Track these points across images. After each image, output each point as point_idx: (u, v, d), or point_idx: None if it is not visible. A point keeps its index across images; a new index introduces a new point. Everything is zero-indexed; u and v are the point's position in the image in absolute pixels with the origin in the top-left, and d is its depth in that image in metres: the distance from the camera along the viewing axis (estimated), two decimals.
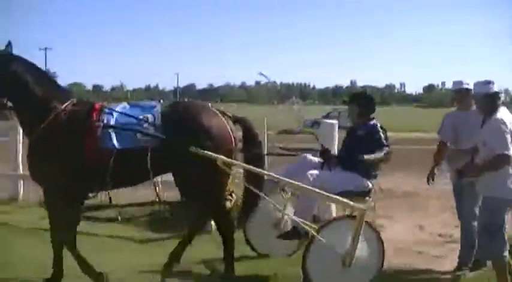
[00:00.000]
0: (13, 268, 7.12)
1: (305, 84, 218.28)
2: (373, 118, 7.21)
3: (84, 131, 6.15)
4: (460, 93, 7.33)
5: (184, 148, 6.06)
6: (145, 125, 6.21)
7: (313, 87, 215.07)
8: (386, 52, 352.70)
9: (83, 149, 6.10)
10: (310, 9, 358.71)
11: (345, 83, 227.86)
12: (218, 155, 6.08)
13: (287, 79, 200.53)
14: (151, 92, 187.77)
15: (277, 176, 6.60)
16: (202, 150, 6.04)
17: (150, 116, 6.26)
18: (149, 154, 6.04)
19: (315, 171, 6.79)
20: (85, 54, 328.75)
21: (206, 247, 7.62)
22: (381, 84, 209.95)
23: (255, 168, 6.48)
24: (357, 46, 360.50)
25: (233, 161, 6.35)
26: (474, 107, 6.76)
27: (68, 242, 6.43)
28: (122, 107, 6.49)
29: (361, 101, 7.38)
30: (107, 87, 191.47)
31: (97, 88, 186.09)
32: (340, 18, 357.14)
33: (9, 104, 6.38)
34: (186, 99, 7.08)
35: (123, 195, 8.94)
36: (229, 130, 6.46)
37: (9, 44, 6.34)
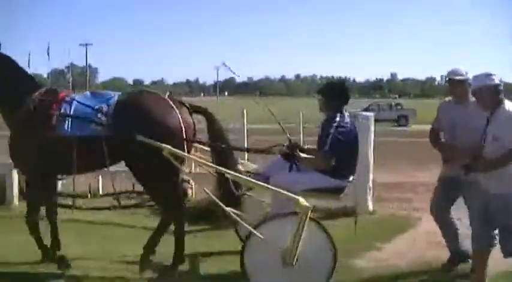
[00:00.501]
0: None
1: (345, 77, 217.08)
2: (339, 111, 6.56)
3: (44, 119, 6.52)
4: (452, 84, 6.78)
5: (132, 137, 6.23)
6: (99, 114, 6.46)
7: (353, 80, 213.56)
8: (427, 45, 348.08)
9: (44, 136, 6.48)
10: (352, 3, 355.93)
11: (385, 76, 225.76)
12: (165, 145, 6.16)
13: (327, 73, 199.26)
14: (191, 86, 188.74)
15: (230, 172, 6.46)
16: (147, 139, 6.16)
17: (104, 106, 6.53)
18: (103, 142, 6.31)
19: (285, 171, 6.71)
20: (126, 49, 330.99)
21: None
22: (421, 77, 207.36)
23: (206, 162, 6.71)
24: (398, 39, 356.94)
25: (178, 151, 6.28)
26: (471, 99, 6.28)
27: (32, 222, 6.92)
28: (82, 96, 6.81)
29: (326, 91, 6.84)
30: (147, 81, 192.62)
31: (138, 82, 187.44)
32: (381, 12, 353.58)
33: None
34: (143, 90, 7.19)
35: None
36: (179, 120, 6.48)
37: None
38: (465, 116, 6.44)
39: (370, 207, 10.01)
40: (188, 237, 7.16)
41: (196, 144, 7.09)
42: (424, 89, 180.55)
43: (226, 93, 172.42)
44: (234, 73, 6.94)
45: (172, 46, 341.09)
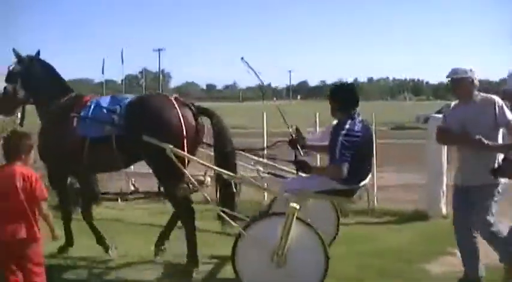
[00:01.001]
0: (134, 264, 7.56)
1: (418, 80, 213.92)
2: (350, 116, 6.24)
3: (65, 121, 7.16)
4: (453, 84, 6.36)
5: (138, 136, 6.64)
6: (113, 115, 6.98)
7: (427, 83, 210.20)
8: (503, 45, 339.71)
9: (64, 136, 7.15)
10: (424, 4, 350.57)
11: None
12: (166, 144, 6.48)
13: (400, 75, 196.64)
14: (263, 91, 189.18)
15: (227, 172, 6.79)
16: (152, 139, 6.54)
17: (117, 107, 7.01)
18: (114, 142, 6.85)
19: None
20: (199, 54, 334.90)
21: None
22: (495, 78, 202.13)
23: (203, 162, 6.93)
24: (472, 40, 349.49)
25: (179, 151, 6.55)
26: (477, 96, 6.17)
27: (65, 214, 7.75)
28: (104, 99, 7.36)
29: (334, 95, 6.50)
30: (220, 86, 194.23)
31: (210, 87, 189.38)
32: (454, 13, 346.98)
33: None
34: (154, 93, 7.97)
35: None
36: (181, 119, 6.79)
37: (38, 52, 7.86)
38: (473, 114, 6.14)
39: (444, 211, 9.86)
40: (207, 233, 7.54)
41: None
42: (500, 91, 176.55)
43: (299, 97, 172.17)
44: (252, 70, 7.01)
45: (244, 51, 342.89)
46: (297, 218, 5.96)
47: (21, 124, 8.21)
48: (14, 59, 7.82)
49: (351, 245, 8.04)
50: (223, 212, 6.65)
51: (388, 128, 19.01)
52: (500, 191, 6.03)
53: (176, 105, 6.92)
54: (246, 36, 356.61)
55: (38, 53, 7.87)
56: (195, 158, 6.90)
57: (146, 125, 6.74)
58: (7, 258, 5.14)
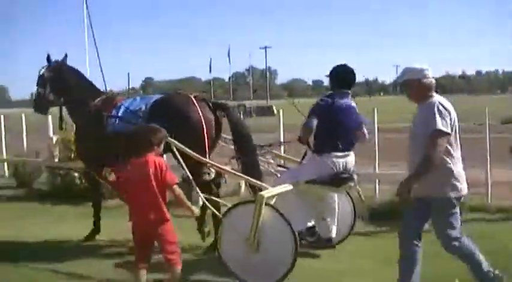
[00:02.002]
0: None
1: None
2: (339, 92, 7.19)
3: (97, 120, 7.85)
4: (401, 85, 5.96)
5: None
6: (139, 113, 7.59)
7: None
8: None
9: (97, 133, 7.80)
10: None
11: None
12: (172, 140, 6.87)
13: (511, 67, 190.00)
14: (369, 85, 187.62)
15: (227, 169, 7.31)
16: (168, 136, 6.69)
17: (143, 107, 7.65)
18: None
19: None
20: (305, 50, 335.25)
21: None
22: None
23: (199, 156, 7.07)
24: None
25: (184, 148, 6.99)
26: (432, 99, 5.52)
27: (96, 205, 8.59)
28: (132, 99, 8.07)
29: (330, 73, 7.44)
30: (327, 81, 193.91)
31: (318, 83, 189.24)
32: None
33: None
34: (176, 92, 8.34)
35: None
36: (200, 115, 7.33)
37: (65, 56, 8.48)
38: (418, 118, 5.65)
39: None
40: (369, 237, 7.53)
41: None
42: None
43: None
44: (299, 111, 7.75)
45: (350, 46, 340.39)
46: (269, 205, 6.33)
47: (60, 127, 8.90)
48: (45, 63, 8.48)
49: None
50: (207, 200, 7.14)
51: (498, 122, 18.41)
52: (455, 202, 5.50)
53: (195, 103, 7.47)
54: (351, 31, 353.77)
55: (65, 57, 8.51)
56: (194, 154, 7.07)
57: (168, 122, 6.92)
58: (141, 238, 5.68)
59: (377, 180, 10.14)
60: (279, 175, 7.88)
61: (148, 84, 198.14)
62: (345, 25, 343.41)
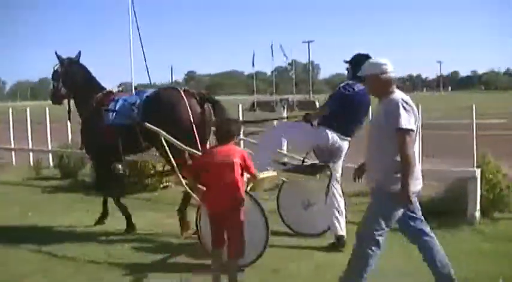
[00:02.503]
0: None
1: None
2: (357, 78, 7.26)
3: (98, 113, 8.56)
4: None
5: (142, 123, 7.99)
6: (133, 107, 8.24)
7: None
8: None
9: (98, 125, 8.54)
10: None
11: None
12: (160, 130, 7.76)
13: None
14: (413, 81, 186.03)
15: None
16: (152, 127, 7.82)
17: (138, 100, 8.29)
18: (132, 130, 8.12)
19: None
20: (347, 45, 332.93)
21: None
22: None
23: (180, 143, 7.74)
24: None
25: (171, 138, 7.75)
26: (390, 97, 5.44)
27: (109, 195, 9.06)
28: (129, 95, 8.78)
29: (350, 60, 7.73)
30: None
31: (360, 78, 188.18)
32: None
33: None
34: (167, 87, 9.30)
35: None
36: (187, 107, 7.94)
37: (79, 54, 9.27)
38: (377, 114, 5.62)
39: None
40: None
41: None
42: None
43: (450, 88, 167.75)
44: (285, 55, 7.90)
45: (394, 41, 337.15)
46: (246, 193, 6.50)
47: (69, 118, 9.90)
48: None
49: None
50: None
51: None
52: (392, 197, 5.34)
53: (184, 96, 8.07)
54: (394, 27, 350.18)
55: (79, 55, 9.29)
56: (174, 140, 7.77)
57: (159, 114, 8.01)
58: (217, 218, 6.09)
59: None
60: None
61: (190, 77, 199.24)
62: (387, 21, 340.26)
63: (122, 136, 8.30)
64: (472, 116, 9.26)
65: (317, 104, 49.55)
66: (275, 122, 8.38)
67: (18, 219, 9.73)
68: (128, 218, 8.80)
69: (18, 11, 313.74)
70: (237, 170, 6.01)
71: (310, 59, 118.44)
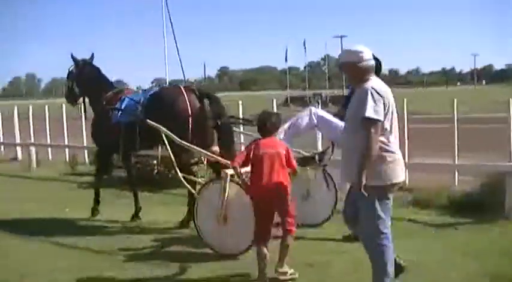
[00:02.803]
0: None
1: None
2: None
3: (106, 112, 9.04)
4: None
5: (143, 120, 8.35)
6: (138, 105, 8.67)
7: None
8: None
9: (105, 123, 9.00)
10: None
11: None
12: (161, 127, 8.09)
13: None
14: (447, 75, 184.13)
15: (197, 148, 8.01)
16: (153, 123, 8.17)
17: (142, 98, 8.75)
18: (137, 127, 8.52)
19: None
20: (380, 39, 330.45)
21: None
22: None
23: (180, 139, 7.98)
24: None
25: (171, 134, 8.02)
26: (368, 82, 5.33)
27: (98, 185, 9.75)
28: (135, 93, 9.35)
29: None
30: (403, 71, 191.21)
31: (392, 73, 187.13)
32: None
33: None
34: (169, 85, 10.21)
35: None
36: (187, 103, 8.35)
37: (92, 56, 9.79)
38: (352, 102, 5.52)
39: None
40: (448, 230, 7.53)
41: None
42: None
43: (484, 82, 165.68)
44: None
45: (426, 34, 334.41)
46: (234, 182, 6.95)
47: (85, 116, 10.67)
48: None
49: None
50: (185, 178, 8.06)
51: None
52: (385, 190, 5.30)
53: (184, 92, 8.48)
54: (426, 20, 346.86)
55: (92, 56, 9.82)
56: (175, 137, 8.03)
57: (161, 110, 8.42)
58: (268, 210, 6.28)
59: (456, 171, 9.97)
60: None
61: (223, 73, 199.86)
62: (419, 17, 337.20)
63: (127, 133, 8.69)
64: (509, 110, 9.13)
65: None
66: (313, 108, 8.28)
67: (55, 214, 9.89)
68: (137, 209, 9.32)
69: (55, 10, 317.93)
70: (283, 160, 6.29)
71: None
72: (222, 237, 7.09)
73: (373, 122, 5.08)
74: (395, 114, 5.34)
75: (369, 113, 5.06)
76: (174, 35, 12.13)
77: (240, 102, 12.22)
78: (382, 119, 5.13)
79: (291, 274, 6.33)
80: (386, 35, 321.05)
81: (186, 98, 8.39)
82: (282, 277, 6.30)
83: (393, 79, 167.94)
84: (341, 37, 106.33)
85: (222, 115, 8.51)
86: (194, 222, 7.53)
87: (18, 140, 18.22)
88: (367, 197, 5.14)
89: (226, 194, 6.95)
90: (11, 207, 10.47)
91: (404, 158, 9.77)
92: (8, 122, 18.92)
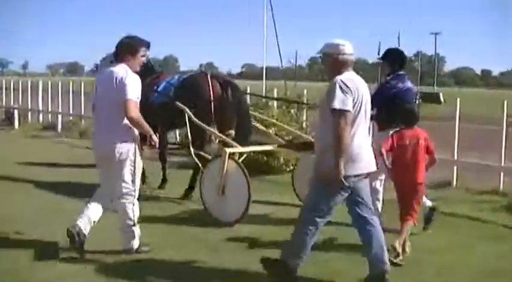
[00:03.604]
0: None
1: None
2: (393, 73, 7.63)
3: (145, 93, 9.11)
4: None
5: (172, 102, 9.22)
6: (172, 88, 9.54)
7: None
8: None
9: (148, 103, 8.99)
10: None
11: None
12: (184, 107, 8.99)
13: None
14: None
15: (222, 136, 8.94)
16: (181, 105, 9.02)
17: (176, 82, 9.65)
18: (169, 107, 9.26)
19: None
20: (476, 38, 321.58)
21: None
22: None
23: (201, 123, 8.86)
24: None
25: (195, 119, 8.86)
26: (341, 75, 5.48)
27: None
28: (171, 78, 10.06)
29: (384, 56, 7.85)
30: (495, 72, 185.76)
31: (485, 72, 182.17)
32: None
33: None
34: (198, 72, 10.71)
35: None
36: (210, 89, 9.20)
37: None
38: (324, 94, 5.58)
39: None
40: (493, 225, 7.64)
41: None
42: None
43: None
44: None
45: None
46: (232, 159, 7.98)
47: None
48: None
49: None
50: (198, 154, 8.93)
51: None
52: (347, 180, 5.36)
53: (209, 79, 9.31)
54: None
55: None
56: (196, 120, 8.88)
57: (187, 95, 9.21)
58: (411, 194, 6.83)
59: (501, 173, 9.98)
60: None
61: (313, 62, 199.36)
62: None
63: (160, 112, 9.40)
64: None
65: (441, 97, 49.15)
66: None
67: None
68: (164, 180, 10.30)
69: None
70: (424, 150, 6.80)
71: (437, 51, 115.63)
72: (221, 206, 7.99)
73: (341, 112, 5.25)
74: (368, 106, 5.57)
75: (338, 104, 5.25)
76: (275, 27, 13.11)
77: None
78: (350, 109, 5.30)
79: (400, 259, 6.27)
80: (482, 35, 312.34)
81: (210, 84, 9.23)
82: (392, 254, 6.12)
83: (484, 80, 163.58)
84: (436, 34, 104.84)
85: (241, 103, 9.57)
86: (200, 192, 8.40)
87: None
88: (322, 184, 5.40)
89: (225, 169, 7.86)
90: None
91: (500, 162, 9.96)
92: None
